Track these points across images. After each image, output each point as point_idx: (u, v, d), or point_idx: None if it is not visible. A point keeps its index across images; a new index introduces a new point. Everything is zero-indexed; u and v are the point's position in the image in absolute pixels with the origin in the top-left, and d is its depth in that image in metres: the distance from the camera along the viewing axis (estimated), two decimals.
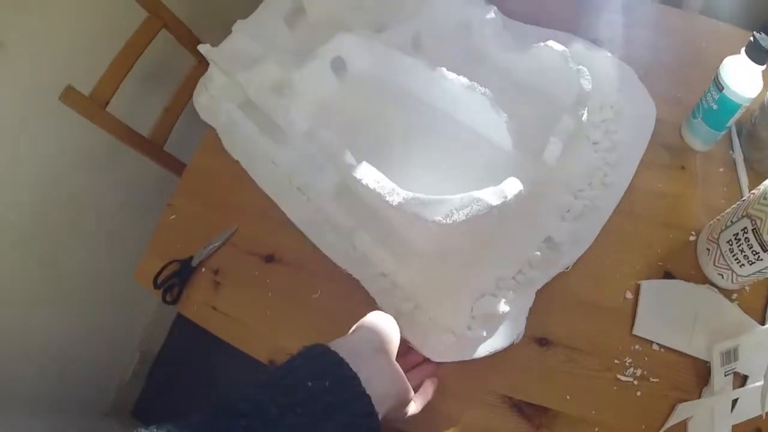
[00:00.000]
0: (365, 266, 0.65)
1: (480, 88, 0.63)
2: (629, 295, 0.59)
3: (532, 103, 0.69)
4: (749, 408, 0.53)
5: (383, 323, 0.47)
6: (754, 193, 0.51)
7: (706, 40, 0.76)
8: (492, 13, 0.72)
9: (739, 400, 0.53)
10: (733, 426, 0.53)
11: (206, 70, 0.85)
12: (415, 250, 0.62)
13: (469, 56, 0.75)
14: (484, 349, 0.57)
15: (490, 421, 0.56)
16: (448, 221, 0.52)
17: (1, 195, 1.04)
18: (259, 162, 0.78)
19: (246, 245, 0.74)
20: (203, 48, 0.79)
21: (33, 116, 1.04)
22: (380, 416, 0.39)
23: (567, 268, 0.61)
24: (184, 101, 1.12)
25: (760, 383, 0.52)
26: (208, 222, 0.77)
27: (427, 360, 0.58)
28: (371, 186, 0.57)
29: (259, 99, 0.73)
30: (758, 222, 0.49)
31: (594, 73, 0.63)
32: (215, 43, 0.79)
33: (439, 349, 0.57)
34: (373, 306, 0.63)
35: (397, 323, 0.53)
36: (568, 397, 0.55)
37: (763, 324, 0.57)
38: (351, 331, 0.47)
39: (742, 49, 0.57)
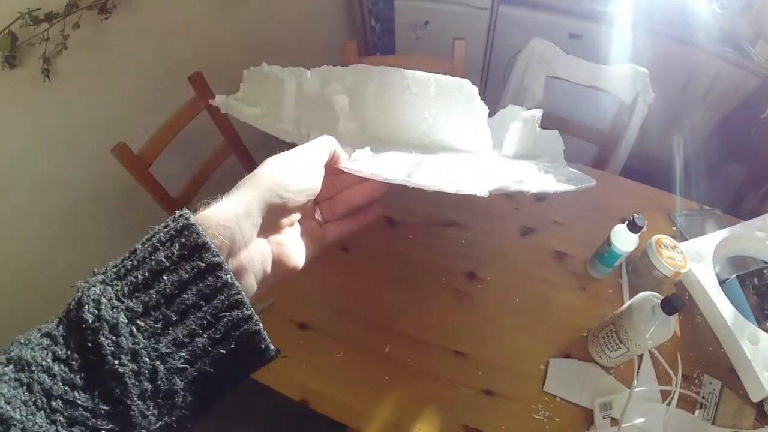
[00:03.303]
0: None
1: None
2: (542, 367, 0.91)
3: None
4: None
5: (284, 168, 0.37)
6: (617, 311, 0.86)
7: (619, 196, 1.14)
8: None
9: None
10: None
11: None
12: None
13: None
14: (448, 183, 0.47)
15: None
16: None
17: (20, 221, 1.13)
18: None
19: (283, 314, 0.96)
20: (218, 98, 0.85)
21: (65, 155, 1.15)
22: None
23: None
24: (208, 173, 1.26)
25: (628, 424, 0.84)
26: None
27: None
28: None
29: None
30: (618, 327, 0.83)
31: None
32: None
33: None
34: (387, 363, 0.87)
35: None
36: (503, 427, 0.84)
37: (629, 388, 0.89)
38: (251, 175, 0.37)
39: (626, 223, 0.94)
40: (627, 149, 1.39)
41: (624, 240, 0.96)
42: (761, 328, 0.92)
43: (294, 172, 0.36)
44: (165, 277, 0.29)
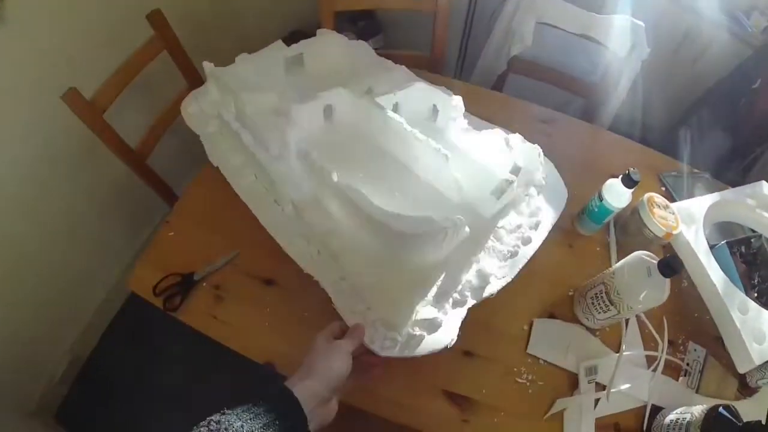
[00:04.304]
0: (327, 271, 0.74)
1: (443, 150, 0.79)
2: (525, 327, 0.85)
3: (474, 172, 0.84)
4: (607, 407, 0.79)
5: (335, 370, 0.56)
6: (608, 270, 0.80)
7: (609, 151, 1.08)
8: (457, 100, 0.91)
9: (600, 401, 0.79)
10: (596, 419, 0.77)
11: (204, 86, 0.92)
12: (376, 259, 0.72)
13: (433, 130, 0.91)
14: (422, 349, 0.67)
15: (430, 405, 0.77)
16: (410, 231, 0.67)
17: None
18: (240, 172, 0.87)
19: (247, 268, 0.86)
20: (207, 65, 0.90)
21: (22, 106, 1.06)
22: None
23: (492, 295, 0.76)
24: (169, 121, 1.16)
25: (614, 389, 0.79)
26: (208, 243, 0.87)
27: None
28: (351, 195, 0.70)
29: (258, 117, 0.83)
30: (608, 287, 0.77)
31: (526, 159, 0.83)
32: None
33: (386, 345, 0.66)
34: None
35: (351, 321, 0.66)
36: (483, 390, 0.79)
37: (617, 352, 0.84)
38: (305, 368, 0.56)
39: (619, 177, 0.87)
40: (616, 105, 1.33)
41: (616, 195, 0.89)
42: (749, 297, 0.88)
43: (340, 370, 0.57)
44: None
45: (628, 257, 0.78)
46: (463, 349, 0.82)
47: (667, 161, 1.15)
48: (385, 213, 0.70)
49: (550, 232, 0.86)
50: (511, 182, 0.79)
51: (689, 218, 0.97)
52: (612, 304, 0.77)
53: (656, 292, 0.73)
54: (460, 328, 0.72)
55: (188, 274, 0.84)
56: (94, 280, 1.50)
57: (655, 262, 0.73)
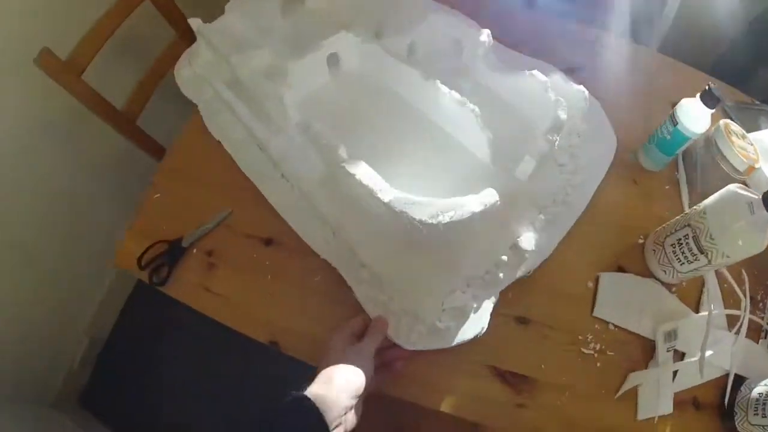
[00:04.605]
0: (345, 256, 0.66)
1: (471, 105, 0.68)
2: (590, 285, 0.69)
3: (509, 123, 0.73)
4: (687, 379, 0.65)
5: (355, 381, 0.50)
6: (695, 208, 0.63)
7: (666, 76, 0.89)
8: (485, 36, 0.76)
9: (678, 372, 0.64)
10: (674, 393, 0.63)
11: (187, 46, 0.82)
12: (396, 244, 0.64)
13: (458, 72, 0.78)
14: (451, 340, 0.61)
15: (478, 388, 0.63)
16: (433, 221, 0.56)
17: None
18: (243, 145, 0.77)
19: (242, 228, 0.72)
20: (194, 22, 0.76)
21: None
22: None
23: (528, 275, 0.66)
24: (159, 76, 1.04)
25: (696, 358, 0.64)
26: (198, 202, 0.74)
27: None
28: (364, 181, 0.60)
29: (252, 83, 0.72)
30: (698, 230, 0.61)
31: (567, 104, 0.70)
32: (202, 20, 0.77)
33: (411, 338, 0.60)
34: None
35: (373, 313, 0.61)
36: (542, 366, 0.64)
37: (697, 312, 0.69)
38: (324, 377, 0.50)
39: (698, 95, 0.69)
40: (668, 21, 1.13)
41: (694, 118, 0.71)
42: None
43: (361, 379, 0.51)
44: None
45: (721, 192, 0.61)
46: (514, 315, 0.67)
47: (727, 90, 0.95)
48: (404, 201, 0.59)
49: (611, 166, 0.72)
50: (553, 140, 0.66)
51: (765, 152, 0.79)
52: (702, 252, 0.61)
53: (758, 235, 0.57)
54: (510, 299, 0.64)
55: (176, 241, 0.71)
56: (103, 255, 1.36)
57: (758, 196, 0.56)
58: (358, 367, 0.51)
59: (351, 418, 0.51)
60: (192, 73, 0.81)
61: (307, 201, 0.71)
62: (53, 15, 0.99)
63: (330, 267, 0.66)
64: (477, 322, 0.62)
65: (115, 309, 1.54)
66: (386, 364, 0.59)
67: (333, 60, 0.77)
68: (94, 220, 1.34)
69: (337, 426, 0.47)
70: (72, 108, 0.93)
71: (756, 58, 1.39)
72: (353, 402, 0.50)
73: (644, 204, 0.77)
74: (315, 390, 0.48)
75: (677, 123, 0.72)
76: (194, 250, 0.71)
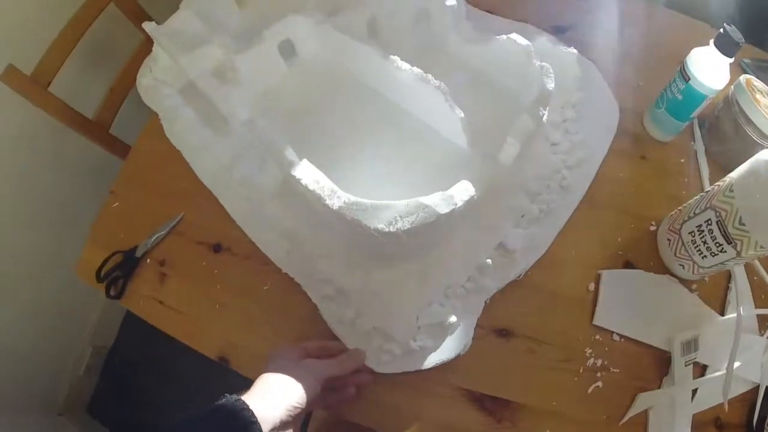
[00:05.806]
0: (307, 270, 0.61)
1: (434, 81, 0.59)
2: (591, 287, 0.58)
3: (490, 99, 0.66)
4: (709, 397, 0.53)
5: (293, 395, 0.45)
6: (719, 185, 0.51)
7: (669, 31, 0.76)
8: (453, 0, 0.67)
9: (699, 390, 0.53)
10: (693, 415, 0.52)
11: (153, 49, 0.79)
12: (358, 255, 0.59)
13: (428, 46, 0.71)
14: (429, 361, 0.54)
15: (450, 416, 0.54)
16: (390, 229, 0.48)
17: None
18: (199, 152, 0.72)
19: (193, 234, 0.68)
20: (148, 26, 0.72)
21: None
22: None
23: (519, 277, 0.58)
24: (130, 82, 1.01)
25: (721, 373, 0.52)
26: (153, 210, 0.71)
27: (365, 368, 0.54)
28: (310, 187, 0.52)
29: (201, 84, 0.67)
30: (723, 214, 0.48)
31: (557, 71, 0.60)
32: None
33: (383, 360, 0.54)
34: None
35: (339, 331, 0.56)
36: (528, 388, 0.54)
37: (722, 315, 0.56)
38: (266, 388, 0.45)
39: (711, 41, 0.56)
40: None
41: (709, 70, 0.57)
42: None
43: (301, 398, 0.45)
44: None
45: (750, 163, 0.48)
46: (494, 327, 0.57)
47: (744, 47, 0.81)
48: (356, 207, 0.51)
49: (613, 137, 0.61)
50: (540, 115, 0.56)
51: None
52: (731, 241, 0.48)
53: None
54: (487, 308, 0.55)
55: (130, 251, 0.68)
56: None
57: None
58: (298, 381, 0.45)
59: None
60: (152, 79, 0.77)
61: (264, 211, 0.66)
62: (19, 28, 0.99)
63: (280, 273, 0.61)
64: (458, 339, 0.55)
65: (119, 316, 1.55)
66: (338, 388, 0.51)
67: (287, 49, 0.71)
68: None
69: None
70: (46, 119, 0.93)
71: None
72: (290, 419, 0.44)
73: (655, 183, 0.65)
74: (252, 400, 0.43)
75: (689, 78, 0.59)
76: (148, 260, 0.68)
